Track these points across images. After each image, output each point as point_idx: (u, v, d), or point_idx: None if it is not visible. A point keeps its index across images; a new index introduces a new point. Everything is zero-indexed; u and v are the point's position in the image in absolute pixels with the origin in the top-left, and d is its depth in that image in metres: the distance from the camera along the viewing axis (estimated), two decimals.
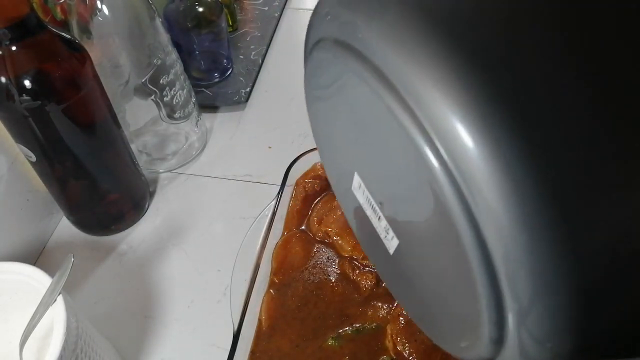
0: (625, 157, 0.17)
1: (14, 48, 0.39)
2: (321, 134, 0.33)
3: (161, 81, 0.53)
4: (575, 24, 0.18)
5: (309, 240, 0.49)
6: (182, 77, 0.56)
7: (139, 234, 0.56)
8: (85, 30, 0.48)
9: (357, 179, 0.28)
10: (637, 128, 0.17)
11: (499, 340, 0.19)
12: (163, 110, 0.56)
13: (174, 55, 0.54)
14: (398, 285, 0.30)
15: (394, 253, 0.27)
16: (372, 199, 0.27)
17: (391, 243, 0.27)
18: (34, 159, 0.46)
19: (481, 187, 0.17)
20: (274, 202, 0.49)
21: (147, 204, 0.58)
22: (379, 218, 0.27)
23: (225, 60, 0.71)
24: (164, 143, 0.61)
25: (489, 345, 0.20)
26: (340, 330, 0.43)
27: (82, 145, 0.47)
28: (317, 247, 0.48)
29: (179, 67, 0.55)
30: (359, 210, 0.30)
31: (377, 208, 0.27)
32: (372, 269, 0.46)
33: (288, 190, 0.51)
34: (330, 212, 0.49)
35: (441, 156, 0.18)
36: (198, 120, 0.62)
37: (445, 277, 0.22)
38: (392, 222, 0.26)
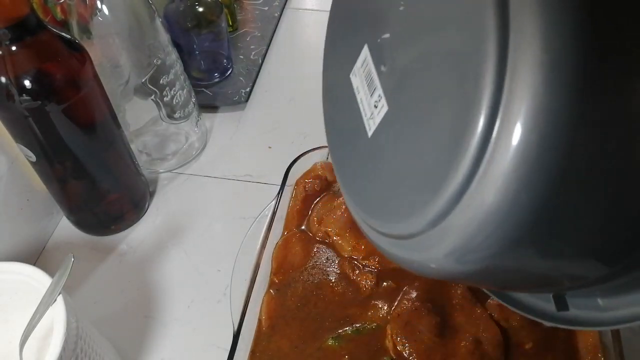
0: None
1: (14, 48, 0.39)
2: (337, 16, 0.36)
3: (161, 81, 0.53)
4: None
5: (309, 240, 0.49)
6: (182, 77, 0.56)
7: (139, 234, 0.56)
8: (85, 30, 0.48)
9: (363, 55, 0.30)
10: None
11: (468, 178, 0.20)
12: (163, 110, 0.56)
13: (174, 55, 0.54)
14: (362, 170, 0.31)
15: (374, 132, 0.29)
16: (373, 71, 0.29)
17: (375, 119, 0.28)
18: (34, 159, 0.46)
19: None
20: (274, 202, 0.49)
21: (147, 204, 0.58)
22: (372, 91, 0.29)
23: (225, 60, 0.71)
24: (164, 143, 0.61)
25: (455, 189, 0.21)
26: (340, 330, 0.43)
27: (82, 145, 0.47)
28: (317, 247, 0.48)
29: (179, 67, 0.55)
30: (344, 106, 0.33)
31: (375, 79, 0.28)
32: (372, 268, 0.46)
33: (288, 190, 0.51)
34: (330, 212, 0.49)
35: None
36: (198, 120, 0.62)
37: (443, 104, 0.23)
38: (392, 81, 0.27)
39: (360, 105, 0.31)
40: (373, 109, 0.29)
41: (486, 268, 0.22)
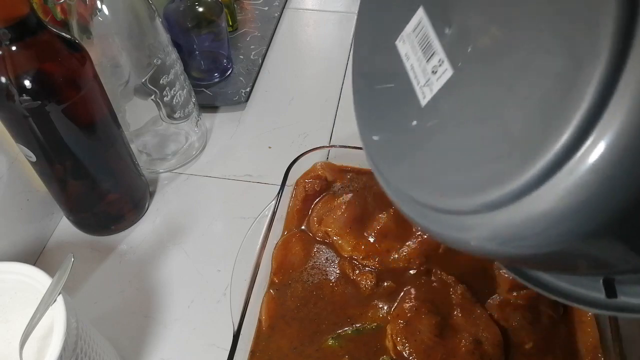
0: None
1: (14, 48, 0.39)
2: None
3: (161, 81, 0.53)
4: None
5: (309, 240, 0.49)
6: (182, 77, 0.56)
7: (139, 234, 0.56)
8: (85, 30, 0.48)
9: (417, 18, 0.28)
10: None
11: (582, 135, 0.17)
12: (163, 110, 0.56)
13: (174, 55, 0.54)
14: (410, 143, 0.28)
15: (431, 100, 0.26)
16: (432, 34, 0.26)
17: (433, 86, 0.26)
18: (34, 159, 0.46)
19: None
20: (274, 202, 0.49)
21: (147, 204, 0.58)
22: (430, 56, 0.26)
23: (225, 60, 0.71)
24: (164, 143, 0.61)
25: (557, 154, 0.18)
26: (340, 330, 0.43)
27: (82, 145, 0.47)
28: (317, 247, 0.48)
29: (179, 67, 0.55)
30: (384, 78, 0.30)
31: (434, 42, 0.26)
32: (372, 268, 0.46)
33: (288, 190, 0.51)
34: (330, 212, 0.49)
35: None
36: (198, 120, 0.62)
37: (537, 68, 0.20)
38: (460, 44, 0.24)
39: (411, 73, 0.28)
40: (430, 75, 0.26)
41: (559, 251, 0.20)
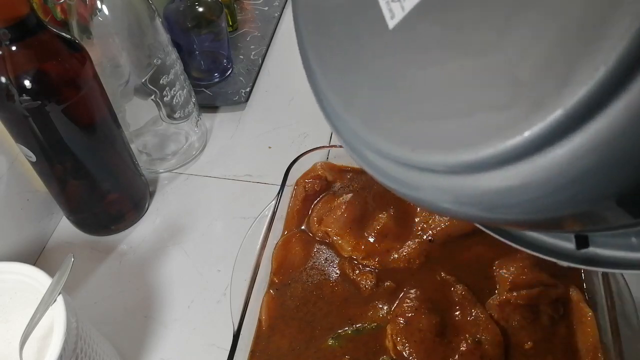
0: None
1: (14, 48, 0.39)
2: None
3: (161, 81, 0.53)
4: None
5: (309, 240, 0.49)
6: (182, 77, 0.56)
7: (139, 234, 0.56)
8: (85, 30, 0.48)
9: None
10: None
11: None
12: (163, 110, 0.56)
13: (174, 55, 0.54)
14: (373, 81, 0.22)
15: (402, 21, 0.20)
16: None
17: (406, 1, 0.20)
18: (34, 159, 0.46)
19: None
20: (274, 202, 0.49)
21: (147, 204, 0.58)
22: None
23: (225, 60, 0.71)
24: (164, 143, 0.61)
25: None
26: (340, 330, 0.43)
27: (82, 145, 0.47)
28: (317, 247, 0.48)
29: (179, 67, 0.55)
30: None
31: None
32: (372, 268, 0.46)
33: (288, 190, 0.51)
34: (330, 212, 0.49)
35: None
36: (198, 120, 0.62)
37: None
38: None
39: None
40: None
41: (556, 217, 0.17)
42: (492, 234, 0.27)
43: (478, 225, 0.27)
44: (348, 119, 0.23)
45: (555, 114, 0.14)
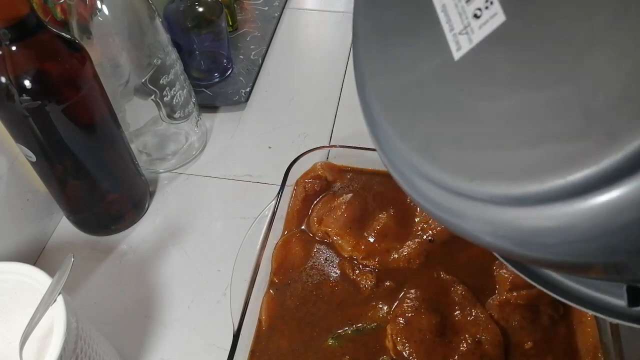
0: None
1: (14, 48, 0.39)
2: None
3: (161, 81, 0.53)
4: None
5: (309, 240, 0.49)
6: (182, 77, 0.56)
7: (139, 234, 0.56)
8: (85, 30, 0.48)
9: None
10: None
11: None
12: (163, 110, 0.56)
13: (174, 55, 0.54)
14: (433, 110, 0.22)
15: (469, 52, 0.20)
16: None
17: (473, 34, 0.20)
18: (34, 159, 0.46)
19: None
20: (274, 202, 0.49)
21: (147, 204, 0.58)
22: None
23: (225, 60, 0.71)
24: (164, 143, 0.61)
25: None
26: (340, 330, 0.43)
27: (82, 145, 0.47)
28: (317, 247, 0.48)
29: (179, 67, 0.55)
30: (400, 21, 0.23)
31: None
32: (372, 268, 0.46)
33: (288, 190, 0.51)
34: (330, 212, 0.49)
35: None
36: (198, 120, 0.62)
37: None
38: None
39: (442, 15, 0.22)
40: (471, 19, 0.20)
41: (608, 261, 0.16)
42: (538, 286, 0.26)
43: (526, 279, 0.26)
44: (403, 148, 0.23)
45: (631, 146, 0.14)
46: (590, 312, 0.24)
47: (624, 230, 0.14)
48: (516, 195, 0.17)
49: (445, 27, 0.22)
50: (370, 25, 0.27)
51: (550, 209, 0.16)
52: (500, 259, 0.30)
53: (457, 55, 0.21)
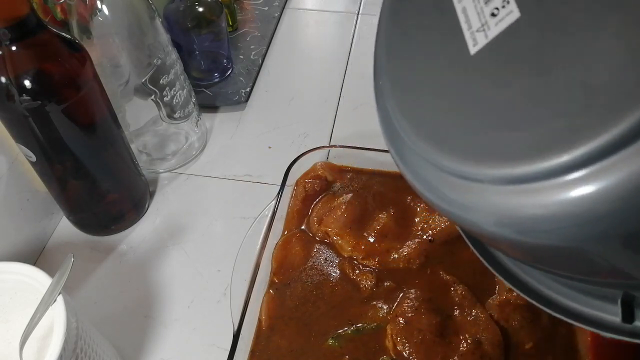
0: None
1: (14, 48, 0.39)
2: None
3: (161, 81, 0.53)
4: None
5: (309, 240, 0.49)
6: (182, 77, 0.56)
7: (139, 234, 0.56)
8: (85, 30, 0.48)
9: None
10: None
11: None
12: (163, 110, 0.56)
13: (174, 55, 0.54)
14: (449, 99, 0.23)
15: (485, 47, 0.21)
16: None
17: (489, 31, 0.21)
18: (34, 159, 0.46)
19: None
20: (274, 202, 0.49)
21: (147, 204, 0.58)
22: None
23: (225, 60, 0.71)
24: (164, 143, 0.61)
25: None
26: (340, 330, 0.43)
27: (82, 145, 0.47)
28: (317, 247, 0.48)
29: (179, 67, 0.55)
30: (420, 21, 0.24)
31: None
32: (372, 268, 0.46)
33: (288, 190, 0.51)
34: (330, 212, 0.49)
35: None
36: (198, 120, 0.62)
37: None
38: None
39: (461, 15, 0.23)
40: (488, 18, 0.22)
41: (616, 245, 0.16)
42: (531, 300, 0.27)
43: (522, 295, 0.27)
44: (416, 141, 0.24)
45: (633, 116, 0.14)
46: (587, 328, 0.25)
47: (624, 206, 0.15)
48: (521, 174, 0.18)
49: (464, 27, 0.23)
50: (394, 18, 0.28)
51: (554, 186, 0.16)
52: (493, 271, 0.31)
53: (473, 50, 0.22)
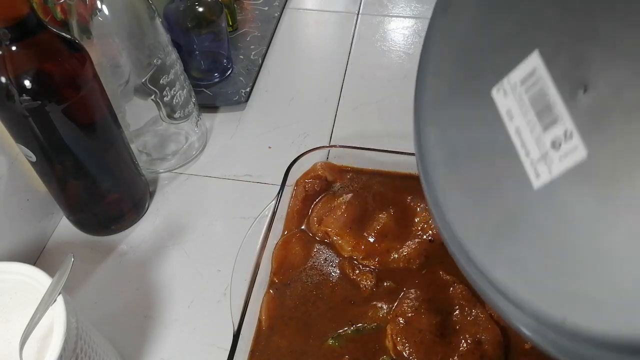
0: None
1: (14, 48, 0.39)
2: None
3: (161, 81, 0.53)
4: None
5: (309, 240, 0.49)
6: (182, 77, 0.56)
7: (139, 234, 0.56)
8: (85, 30, 0.48)
9: (530, 64, 0.20)
10: None
11: None
12: (163, 110, 0.56)
13: (174, 55, 0.54)
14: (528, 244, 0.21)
15: (551, 183, 0.19)
16: (553, 91, 0.19)
17: (552, 164, 0.19)
18: (34, 159, 0.46)
19: None
20: (274, 202, 0.49)
21: (147, 204, 0.58)
22: (550, 122, 0.19)
23: (225, 60, 0.71)
24: (164, 143, 0.61)
25: None
26: (340, 330, 0.43)
27: (82, 145, 0.47)
28: (317, 247, 0.48)
29: (179, 67, 0.55)
30: (469, 138, 0.22)
31: (557, 104, 0.18)
32: (372, 268, 0.46)
33: (288, 190, 0.51)
34: (330, 212, 0.49)
35: None
36: (198, 120, 0.62)
37: None
38: (601, 114, 0.17)
39: (516, 138, 0.21)
40: (549, 148, 0.20)
41: None
42: None
43: None
44: (492, 271, 0.23)
45: None
46: None
47: None
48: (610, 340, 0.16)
49: (521, 152, 0.21)
50: (437, 139, 0.26)
51: None
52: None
53: (536, 184, 0.21)
